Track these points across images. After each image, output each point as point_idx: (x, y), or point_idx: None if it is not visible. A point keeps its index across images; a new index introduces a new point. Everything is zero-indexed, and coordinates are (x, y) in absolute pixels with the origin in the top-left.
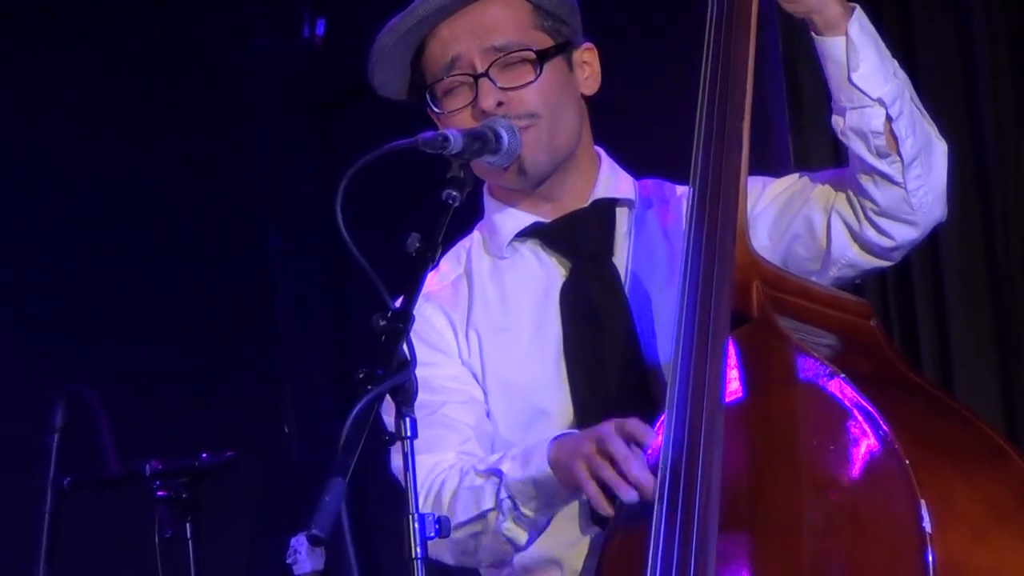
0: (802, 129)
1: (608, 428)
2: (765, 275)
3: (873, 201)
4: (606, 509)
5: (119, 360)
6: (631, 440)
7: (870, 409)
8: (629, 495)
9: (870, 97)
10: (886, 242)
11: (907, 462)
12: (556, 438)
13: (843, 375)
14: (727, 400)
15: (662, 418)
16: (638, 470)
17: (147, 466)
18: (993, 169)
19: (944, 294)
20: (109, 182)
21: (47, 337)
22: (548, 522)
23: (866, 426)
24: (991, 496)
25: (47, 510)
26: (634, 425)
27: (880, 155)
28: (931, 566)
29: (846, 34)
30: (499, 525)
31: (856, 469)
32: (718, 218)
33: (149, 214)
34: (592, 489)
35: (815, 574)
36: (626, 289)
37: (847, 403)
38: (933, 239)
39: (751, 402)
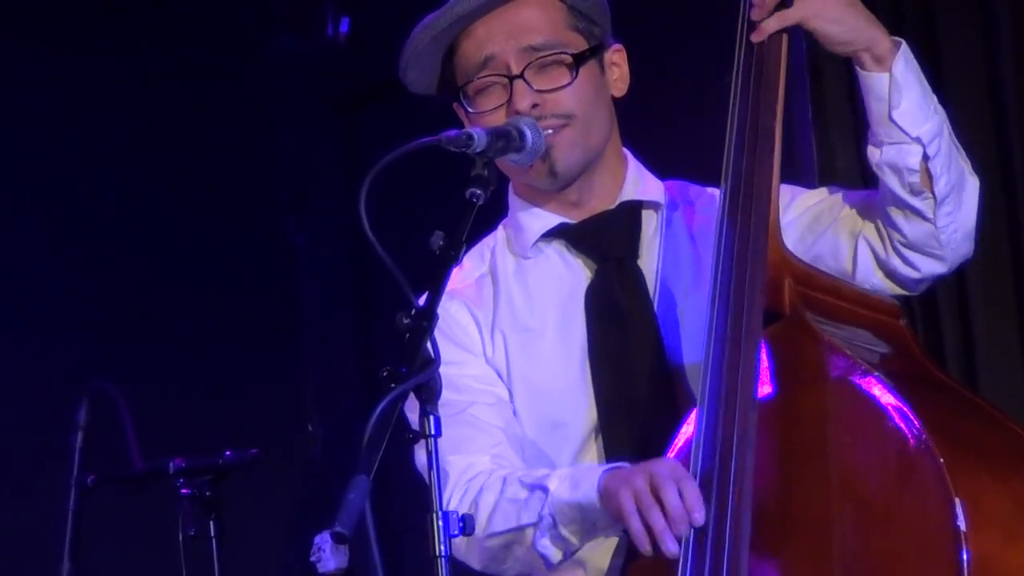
0: (826, 128)
1: (663, 471)
2: (797, 273)
3: (901, 233)
4: (646, 548)
5: (143, 358)
6: (681, 494)
7: (904, 407)
8: (672, 549)
9: (909, 136)
10: (912, 273)
11: (941, 460)
12: (608, 469)
13: (875, 373)
14: (759, 398)
15: (691, 415)
16: (684, 527)
17: (171, 464)
18: (1018, 169)
19: (968, 294)
20: (134, 181)
21: (71, 335)
22: (582, 544)
23: (900, 424)
24: (1022, 496)
25: (71, 508)
26: (686, 482)
27: (913, 192)
28: (966, 565)
29: (890, 71)
30: (536, 541)
31: (889, 468)
32: (751, 215)
33: (174, 212)
34: (637, 526)
35: (846, 571)
36: (652, 292)
37: (880, 401)
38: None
39: (783, 400)
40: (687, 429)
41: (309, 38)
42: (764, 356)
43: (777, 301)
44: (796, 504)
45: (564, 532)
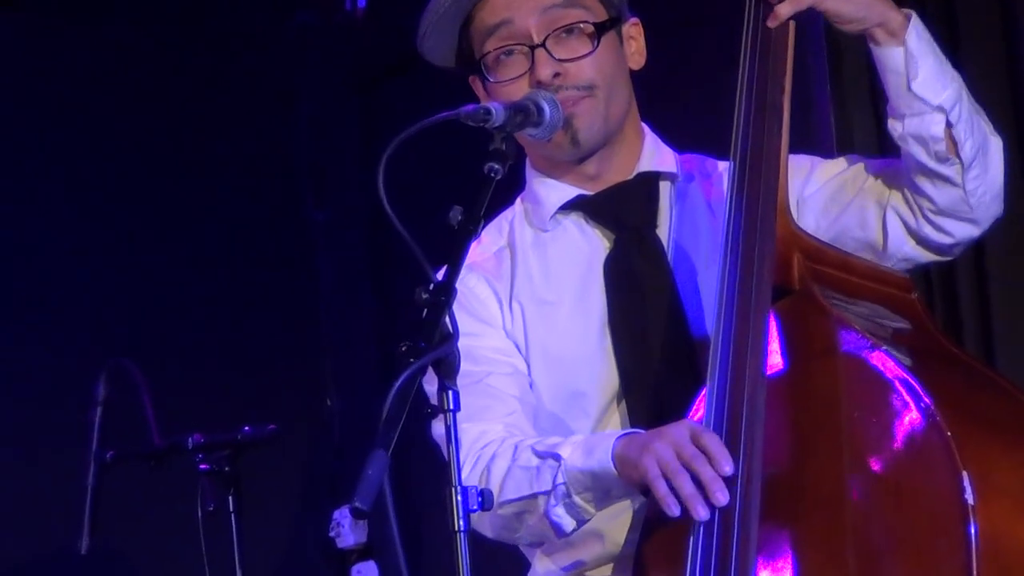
0: (844, 102)
1: (685, 437)
2: (806, 248)
3: (931, 201)
4: (674, 511)
5: (162, 334)
6: (705, 453)
7: (912, 381)
8: (704, 514)
9: (930, 105)
10: (945, 239)
11: (949, 434)
12: (623, 436)
13: (885, 347)
14: (769, 373)
15: (701, 393)
16: (720, 492)
17: (189, 439)
18: None
19: (986, 271)
20: (154, 158)
21: (90, 311)
22: (595, 512)
23: (908, 398)
24: None
25: (90, 483)
26: (711, 441)
27: (940, 160)
28: (973, 538)
29: (904, 44)
30: (549, 509)
31: (898, 441)
32: (759, 191)
33: (193, 189)
34: (663, 489)
35: (857, 546)
36: (670, 261)
37: (889, 375)
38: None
39: (792, 375)
40: (699, 406)
41: (327, 14)
42: (774, 331)
43: (786, 276)
44: (807, 479)
45: (578, 500)
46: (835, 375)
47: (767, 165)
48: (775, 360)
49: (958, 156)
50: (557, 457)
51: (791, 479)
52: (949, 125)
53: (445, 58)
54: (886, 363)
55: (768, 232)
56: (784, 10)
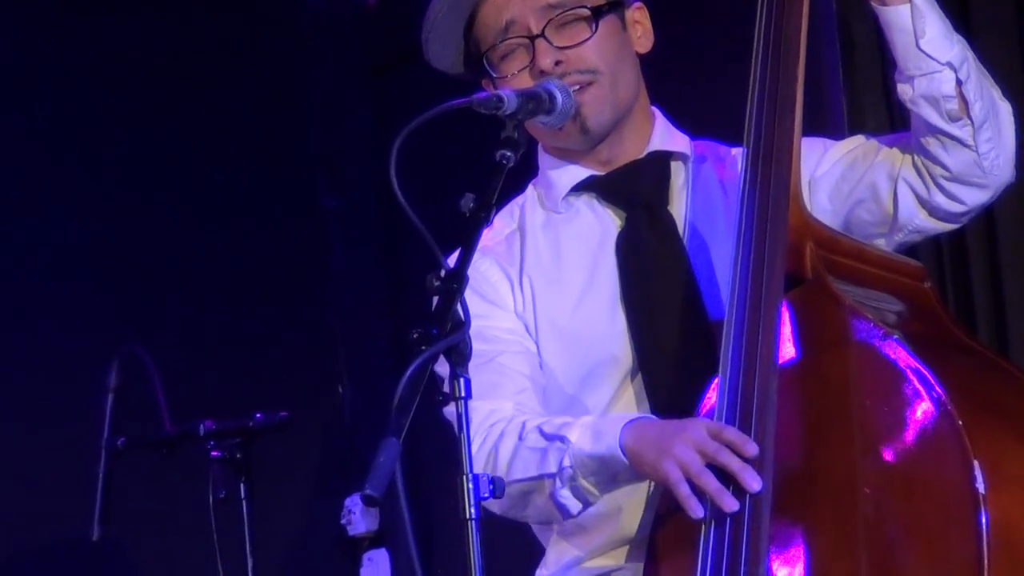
0: (856, 89)
1: (705, 436)
2: (819, 237)
3: (944, 166)
4: (698, 513)
5: (173, 320)
6: (729, 447)
7: (924, 371)
8: (732, 506)
9: (939, 62)
10: (956, 207)
11: (960, 423)
12: (629, 423)
13: (897, 337)
14: (781, 362)
15: (713, 382)
16: (752, 478)
17: (201, 426)
18: None
19: (999, 258)
20: (167, 144)
21: (102, 298)
22: (601, 495)
23: (920, 387)
24: None
25: (102, 470)
26: (733, 434)
27: (952, 119)
28: (985, 527)
29: (911, 1)
30: (555, 491)
31: (910, 430)
32: (771, 179)
33: (206, 175)
34: (686, 491)
35: (869, 535)
36: (684, 239)
37: (901, 364)
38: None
39: (805, 364)
40: (711, 395)
41: (339, 1)
42: (787, 321)
43: (799, 265)
44: (819, 468)
45: (584, 484)
46: (847, 364)
47: (780, 153)
48: (787, 349)
49: (969, 116)
50: (564, 440)
51: (803, 468)
52: (959, 83)
53: (454, 64)
54: (898, 352)
55: (781, 220)
56: None
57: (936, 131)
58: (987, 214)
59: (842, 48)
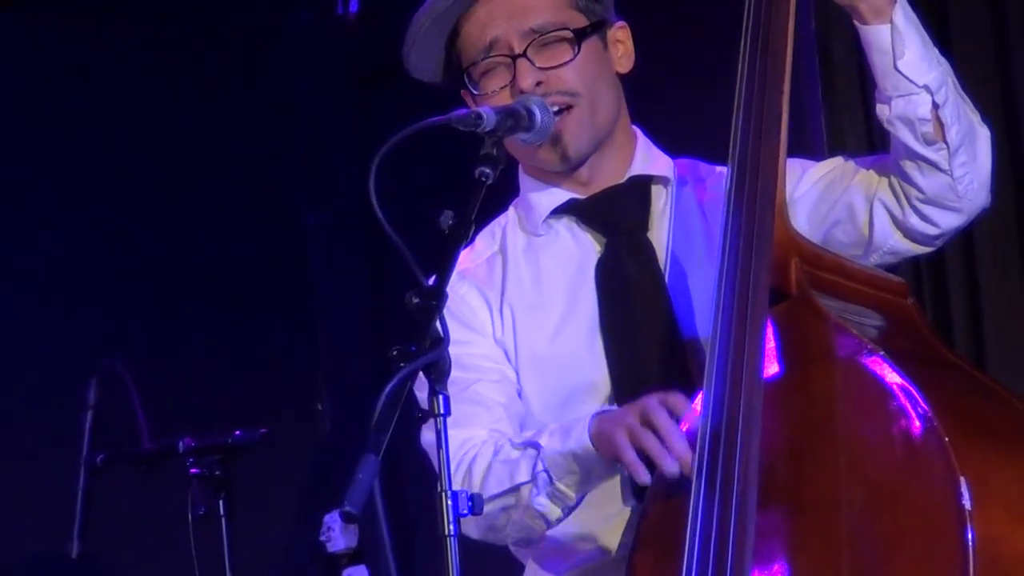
0: (836, 108)
1: (652, 400)
2: (803, 252)
3: (918, 188)
4: (643, 477)
5: (154, 337)
6: (672, 413)
7: (909, 387)
8: (671, 466)
9: (916, 84)
10: (930, 229)
11: (947, 439)
12: (597, 414)
13: (882, 352)
14: (766, 377)
15: (699, 395)
16: (680, 442)
17: (180, 443)
18: None
19: (977, 274)
20: (148, 157)
21: (81, 314)
22: (580, 500)
23: (905, 403)
24: None
25: (81, 487)
26: (676, 399)
27: (927, 142)
28: (971, 543)
29: (891, 22)
30: (533, 499)
31: (895, 446)
32: (757, 195)
33: (187, 189)
34: (631, 456)
35: (853, 551)
36: (663, 264)
37: (886, 380)
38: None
39: (790, 379)
40: (696, 408)
41: (323, 15)
42: (771, 336)
43: (783, 280)
44: (804, 483)
45: (560, 486)
46: (832, 380)
47: (765, 168)
48: (772, 364)
49: (944, 140)
50: (536, 446)
51: (787, 484)
52: (935, 106)
53: (433, 74)
54: (883, 368)
55: (766, 236)
56: None
57: (911, 153)
58: (965, 229)
59: (821, 67)
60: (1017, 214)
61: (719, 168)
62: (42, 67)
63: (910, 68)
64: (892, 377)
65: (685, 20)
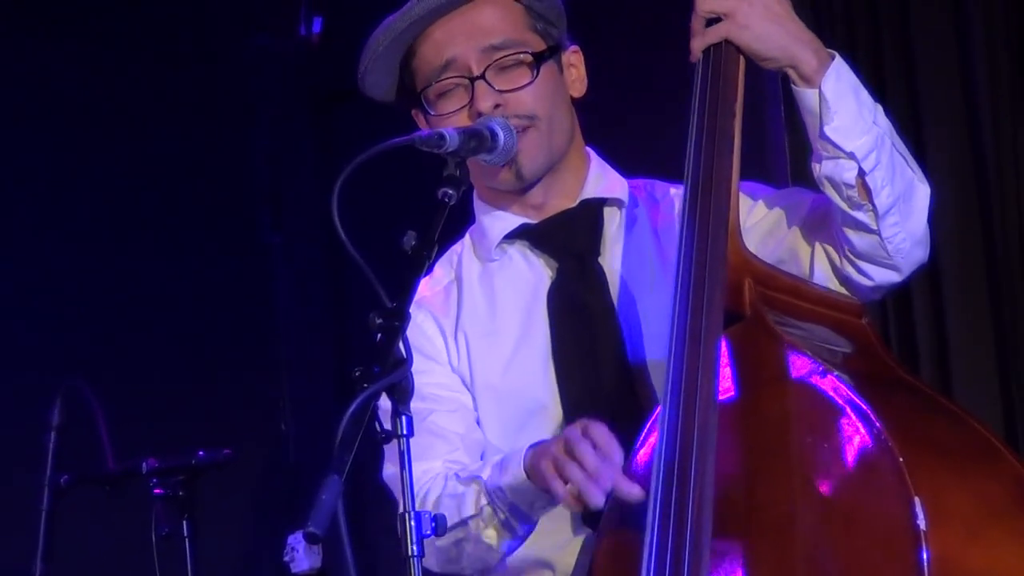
0: (798, 128)
1: (574, 431)
2: (757, 273)
3: (850, 244)
4: (575, 506)
5: (117, 357)
6: (595, 444)
7: (863, 406)
8: (596, 498)
9: (843, 150)
10: (865, 282)
11: (901, 459)
12: (532, 446)
13: (835, 373)
14: (720, 399)
15: (653, 416)
16: (605, 471)
17: (144, 464)
18: (991, 163)
19: (942, 290)
20: (108, 178)
21: (44, 335)
22: (531, 529)
23: (859, 424)
24: (984, 494)
25: (44, 508)
26: (597, 429)
27: (853, 205)
28: (925, 564)
29: (819, 88)
30: (481, 532)
31: (849, 467)
32: (710, 216)
33: (148, 210)
34: (560, 488)
35: (808, 572)
36: (614, 288)
37: (840, 400)
38: (930, 234)
39: (744, 400)
40: (654, 430)
41: (283, 38)
42: (726, 357)
43: (737, 301)
44: (758, 504)
45: (504, 518)
46: (786, 400)
47: (718, 190)
48: (727, 385)
49: (872, 203)
50: (479, 479)
51: (742, 504)
52: (862, 173)
53: (387, 93)
54: (837, 388)
55: (719, 256)
56: (696, 44)
57: (840, 212)
58: (931, 253)
59: (785, 104)
60: (983, 237)
61: (674, 189)
62: (5, 91)
63: (837, 134)
64: (846, 396)
65: (641, 42)
